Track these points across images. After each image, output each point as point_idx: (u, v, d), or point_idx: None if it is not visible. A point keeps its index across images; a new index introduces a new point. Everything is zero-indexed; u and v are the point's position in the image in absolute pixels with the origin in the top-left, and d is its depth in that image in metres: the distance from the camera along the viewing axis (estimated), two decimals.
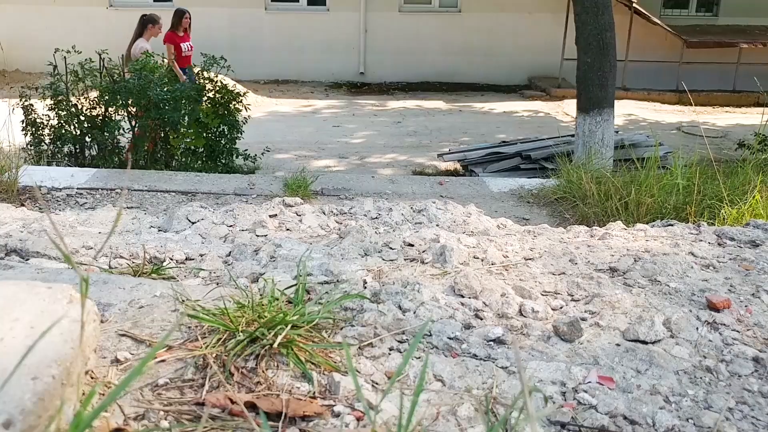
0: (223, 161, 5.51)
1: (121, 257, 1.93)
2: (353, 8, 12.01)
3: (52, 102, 5.04)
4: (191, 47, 7.31)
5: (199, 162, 5.40)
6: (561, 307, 1.55)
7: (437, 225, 2.40)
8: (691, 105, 10.28)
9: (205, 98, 5.43)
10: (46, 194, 3.80)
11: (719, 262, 1.84)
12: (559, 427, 1.08)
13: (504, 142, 6.97)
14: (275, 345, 1.16)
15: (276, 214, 2.50)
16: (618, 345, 1.33)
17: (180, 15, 7.29)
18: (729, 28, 12.15)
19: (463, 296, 1.55)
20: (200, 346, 1.18)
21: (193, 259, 1.98)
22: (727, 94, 11.43)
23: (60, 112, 5.05)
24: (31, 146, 5.10)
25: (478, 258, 1.85)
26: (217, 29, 11.19)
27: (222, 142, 5.52)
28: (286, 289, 1.47)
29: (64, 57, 5.10)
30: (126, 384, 0.68)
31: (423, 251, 1.87)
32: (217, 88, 5.49)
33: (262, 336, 1.18)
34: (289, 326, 1.21)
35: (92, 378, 1.07)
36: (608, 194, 3.66)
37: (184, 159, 5.38)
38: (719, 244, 2.04)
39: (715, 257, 1.88)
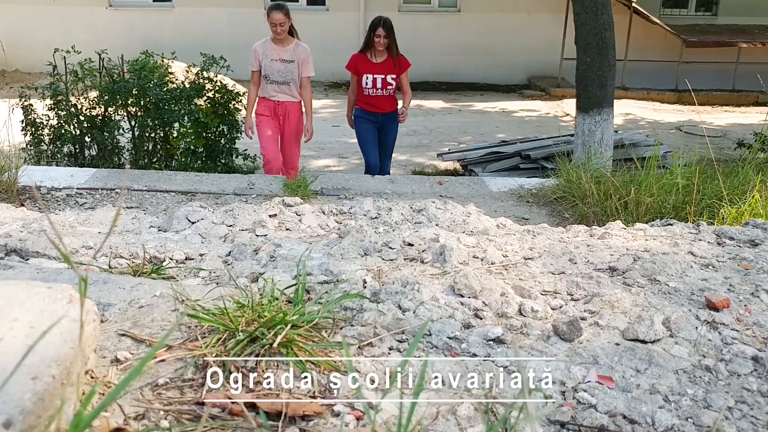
0: (223, 161, 5.52)
1: (121, 257, 1.93)
2: (353, 8, 12.02)
3: (51, 102, 5.04)
4: (385, 83, 4.93)
5: (199, 162, 5.41)
6: (560, 307, 1.55)
7: (437, 225, 2.40)
8: (690, 104, 10.29)
9: (204, 98, 5.43)
10: (46, 194, 3.80)
11: (718, 261, 1.84)
12: (558, 426, 1.08)
13: (503, 141, 6.98)
14: (275, 345, 1.16)
15: (276, 214, 2.50)
16: (617, 344, 1.33)
17: (371, 28, 4.93)
18: (728, 27, 12.17)
19: (462, 296, 1.55)
20: (200, 346, 1.18)
21: (192, 259, 1.98)
22: (727, 93, 11.45)
23: (59, 112, 5.06)
24: (30, 146, 5.10)
25: (477, 258, 1.85)
26: (217, 29, 11.20)
27: (222, 141, 5.53)
28: (285, 288, 1.47)
29: (64, 57, 5.10)
30: (126, 384, 0.68)
31: (423, 251, 1.87)
32: (217, 88, 5.50)
33: (262, 336, 1.18)
34: (289, 326, 1.21)
35: (92, 378, 1.07)
36: (608, 194, 3.66)
37: (183, 159, 5.38)
38: (718, 244, 2.04)
39: (715, 257, 1.88)
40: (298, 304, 1.36)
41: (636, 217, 3.41)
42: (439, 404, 1.10)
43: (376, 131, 5.11)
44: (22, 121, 5.02)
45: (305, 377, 1.13)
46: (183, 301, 1.38)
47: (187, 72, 5.54)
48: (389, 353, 1.26)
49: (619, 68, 9.51)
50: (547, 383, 1.19)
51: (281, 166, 4.83)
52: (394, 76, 4.97)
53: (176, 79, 5.45)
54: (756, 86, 10.77)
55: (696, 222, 2.31)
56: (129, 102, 5.18)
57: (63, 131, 5.05)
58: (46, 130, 5.12)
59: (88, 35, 9.72)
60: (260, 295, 1.45)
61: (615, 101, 5.15)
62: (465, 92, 11.75)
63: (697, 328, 1.41)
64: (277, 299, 1.36)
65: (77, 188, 3.91)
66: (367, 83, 4.96)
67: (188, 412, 1.01)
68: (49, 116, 5.10)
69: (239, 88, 5.87)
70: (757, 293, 1.59)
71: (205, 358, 1.14)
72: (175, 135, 5.41)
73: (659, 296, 1.58)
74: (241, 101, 5.58)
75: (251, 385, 1.10)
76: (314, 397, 1.08)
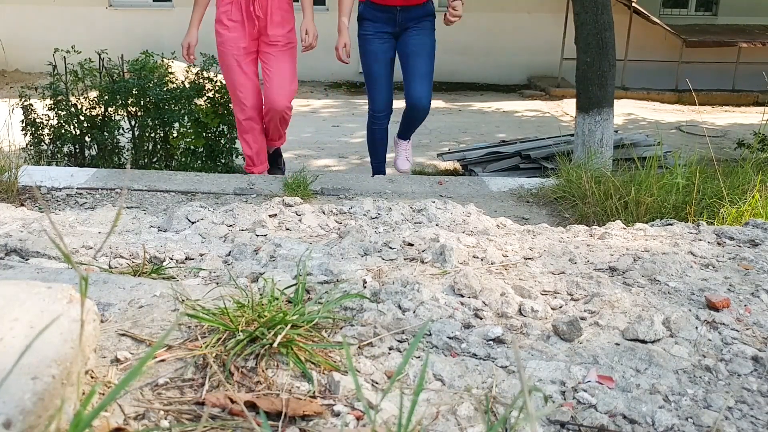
0: (223, 161, 5.52)
1: (121, 257, 1.93)
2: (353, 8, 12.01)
3: (51, 102, 5.05)
4: None
5: (199, 162, 5.41)
6: (560, 307, 1.55)
7: (437, 224, 2.40)
8: (690, 104, 10.29)
9: (204, 98, 5.44)
10: (46, 194, 3.80)
11: (718, 261, 1.84)
12: (558, 426, 1.08)
13: (503, 141, 6.98)
14: (275, 344, 1.16)
15: (276, 214, 2.50)
16: (617, 344, 1.33)
17: None
18: (728, 27, 12.17)
19: (462, 296, 1.55)
20: (200, 346, 1.18)
21: (192, 259, 1.97)
22: (727, 93, 11.45)
23: (59, 112, 5.06)
24: (30, 146, 5.10)
25: (477, 257, 1.85)
26: None
27: (222, 141, 5.53)
28: (285, 288, 1.47)
29: (64, 57, 5.11)
30: (126, 383, 0.68)
31: (423, 251, 1.87)
32: (217, 88, 5.50)
33: (262, 335, 1.18)
34: (289, 326, 1.21)
35: (92, 378, 1.07)
36: (608, 194, 3.66)
37: (183, 159, 5.39)
38: (718, 244, 2.04)
39: (715, 256, 1.88)
40: (298, 304, 1.35)
41: (636, 217, 3.41)
42: (439, 404, 1.10)
43: (392, 47, 3.18)
44: (22, 121, 5.03)
45: (305, 377, 1.13)
46: (183, 301, 1.38)
47: (187, 72, 5.54)
48: (389, 353, 1.26)
49: (619, 68, 9.52)
50: (546, 383, 1.19)
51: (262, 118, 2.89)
52: None
53: (176, 79, 5.45)
54: (756, 86, 10.78)
55: (696, 222, 2.31)
56: (129, 102, 5.18)
57: (63, 131, 5.05)
58: (46, 130, 5.12)
59: (88, 35, 9.72)
60: (260, 295, 1.45)
61: (615, 101, 5.15)
62: (465, 92, 11.75)
63: (697, 328, 1.41)
64: (277, 299, 1.36)
65: (77, 188, 3.91)
66: None
67: (188, 412, 1.01)
68: (49, 116, 5.10)
69: None
70: (757, 293, 1.59)
71: (205, 358, 1.14)
72: (175, 135, 5.41)
73: (659, 296, 1.58)
74: None
75: (251, 385, 1.10)
76: (314, 397, 1.08)
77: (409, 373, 1.19)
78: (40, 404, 0.81)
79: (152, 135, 5.39)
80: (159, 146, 5.44)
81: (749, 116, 10.10)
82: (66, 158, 5.21)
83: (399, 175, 5.00)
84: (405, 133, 3.91)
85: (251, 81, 3.04)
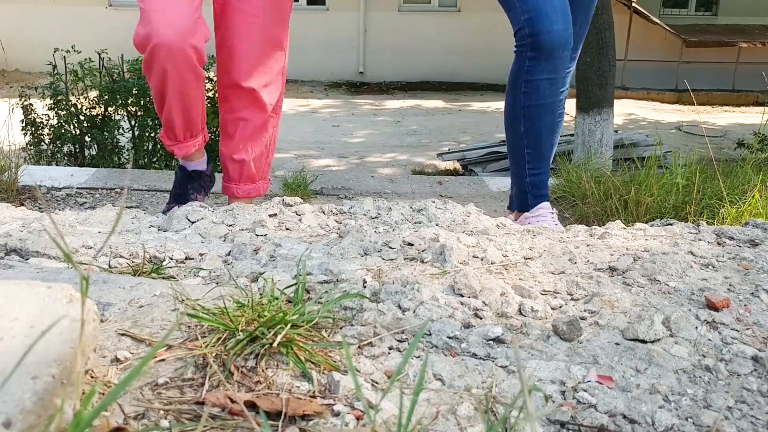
0: None
1: (121, 257, 1.93)
2: (353, 8, 12.03)
3: (51, 102, 5.05)
4: None
5: None
6: (560, 307, 1.55)
7: (437, 224, 2.40)
8: (690, 104, 10.29)
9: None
10: (46, 194, 3.80)
11: (718, 261, 1.84)
12: (558, 426, 1.08)
13: (503, 141, 6.98)
14: (275, 344, 1.16)
15: (276, 214, 2.50)
16: (617, 344, 1.33)
17: None
18: (728, 27, 12.18)
19: (462, 295, 1.55)
20: (200, 346, 1.18)
21: (192, 259, 1.97)
22: (726, 93, 11.46)
23: (59, 111, 5.07)
24: (30, 146, 5.11)
25: (477, 257, 1.85)
26: None
27: None
28: (285, 288, 1.47)
29: (64, 57, 5.11)
30: (126, 383, 0.68)
31: (422, 250, 1.87)
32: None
33: (262, 335, 1.18)
34: (289, 325, 1.21)
35: (92, 377, 1.07)
36: (608, 194, 3.67)
37: None
38: (718, 244, 2.04)
39: (715, 256, 1.88)
40: (298, 304, 1.35)
41: (636, 216, 3.41)
42: (439, 404, 1.10)
43: None
44: (22, 121, 5.03)
45: (305, 377, 1.13)
46: (183, 300, 1.38)
47: None
48: (389, 353, 1.26)
49: (619, 68, 9.52)
50: (546, 383, 1.19)
51: (190, 55, 2.08)
52: None
53: None
54: (756, 86, 10.78)
55: (696, 222, 2.31)
56: (129, 102, 5.19)
57: (63, 131, 5.06)
58: (46, 130, 5.13)
59: (88, 35, 9.71)
60: (260, 294, 1.45)
61: (615, 101, 5.16)
62: (465, 92, 11.76)
63: (697, 327, 1.41)
64: (277, 299, 1.36)
65: (77, 188, 3.91)
66: None
67: (188, 411, 1.01)
68: (49, 116, 5.11)
69: None
70: (757, 293, 1.59)
71: (205, 358, 1.14)
72: None
73: (659, 296, 1.58)
74: None
75: (251, 385, 1.10)
76: (314, 397, 1.08)
77: (409, 372, 1.19)
78: (40, 404, 0.81)
79: (152, 135, 5.39)
80: (159, 146, 5.45)
81: (749, 116, 10.10)
82: (66, 158, 5.22)
83: (399, 174, 5.00)
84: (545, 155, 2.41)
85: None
